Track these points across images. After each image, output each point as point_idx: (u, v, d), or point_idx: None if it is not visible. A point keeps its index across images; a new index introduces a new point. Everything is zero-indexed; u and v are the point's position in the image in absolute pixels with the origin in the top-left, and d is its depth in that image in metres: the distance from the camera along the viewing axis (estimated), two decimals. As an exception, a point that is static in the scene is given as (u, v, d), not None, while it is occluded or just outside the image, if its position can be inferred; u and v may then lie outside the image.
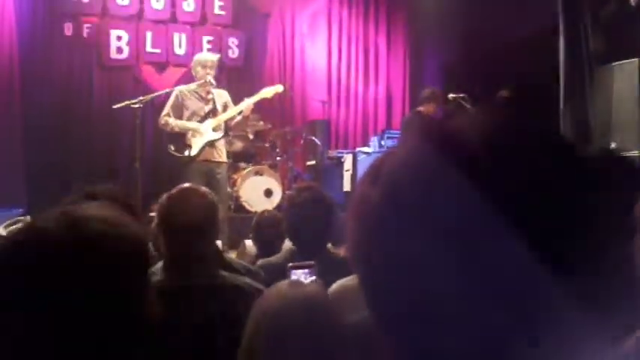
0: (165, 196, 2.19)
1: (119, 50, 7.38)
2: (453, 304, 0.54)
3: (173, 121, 5.42)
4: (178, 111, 5.46)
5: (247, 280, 2.17)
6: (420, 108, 6.69)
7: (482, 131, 0.59)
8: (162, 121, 5.44)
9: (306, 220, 2.66)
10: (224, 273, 2.13)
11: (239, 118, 5.61)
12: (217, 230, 2.19)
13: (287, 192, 6.71)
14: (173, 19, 7.60)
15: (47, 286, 0.88)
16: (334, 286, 2.17)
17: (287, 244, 3.53)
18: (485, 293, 0.53)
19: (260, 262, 2.84)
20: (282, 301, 1.42)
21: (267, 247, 3.44)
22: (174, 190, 2.20)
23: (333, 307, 1.47)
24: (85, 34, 7.25)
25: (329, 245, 2.97)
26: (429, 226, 0.55)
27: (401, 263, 0.57)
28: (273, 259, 2.83)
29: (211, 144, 5.45)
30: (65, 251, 0.90)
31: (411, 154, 0.60)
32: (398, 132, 7.17)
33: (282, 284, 1.52)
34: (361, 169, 6.96)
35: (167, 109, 5.46)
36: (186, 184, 2.32)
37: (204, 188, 2.27)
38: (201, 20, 7.73)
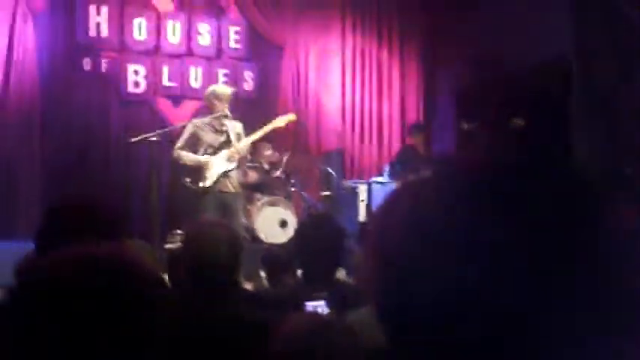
0: (189, 228, 2.23)
1: (136, 84, 7.50)
2: (473, 335, 0.55)
3: (185, 155, 5.49)
4: (193, 144, 5.53)
5: (268, 313, 2.18)
6: (410, 141, 6.83)
7: (494, 161, 0.60)
8: (175, 154, 5.52)
9: (317, 249, 2.67)
10: (245, 307, 2.15)
11: (253, 149, 5.67)
12: (240, 265, 2.22)
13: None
14: (189, 52, 7.72)
15: (59, 334, 0.89)
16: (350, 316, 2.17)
17: (299, 275, 3.54)
18: (509, 319, 0.54)
19: (271, 293, 2.84)
20: (302, 333, 1.42)
21: (278, 279, 3.46)
22: (198, 223, 2.24)
23: (352, 337, 1.48)
24: (103, 69, 7.38)
25: (341, 274, 2.97)
26: (451, 254, 0.56)
27: (422, 290, 0.57)
28: (283, 290, 2.84)
29: (225, 174, 5.49)
30: (78, 297, 0.91)
31: (427, 187, 0.61)
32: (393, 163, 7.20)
33: (300, 316, 1.53)
34: (376, 199, 6.95)
35: (181, 142, 5.54)
36: (212, 218, 2.37)
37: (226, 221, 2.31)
38: (217, 54, 7.84)
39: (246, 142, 5.64)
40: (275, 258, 3.64)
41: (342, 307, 2.25)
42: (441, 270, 0.56)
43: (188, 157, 5.48)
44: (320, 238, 2.67)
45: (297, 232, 2.91)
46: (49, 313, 0.90)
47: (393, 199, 0.63)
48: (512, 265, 0.55)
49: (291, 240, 6.12)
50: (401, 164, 6.84)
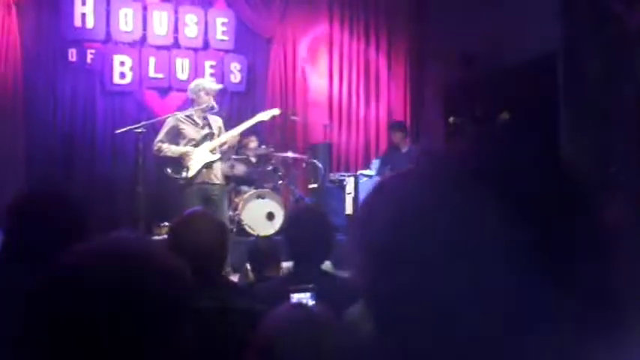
0: (175, 220, 2.22)
1: (122, 75, 7.45)
2: (465, 324, 0.55)
3: (166, 147, 5.46)
4: (174, 137, 5.50)
5: (257, 304, 2.17)
6: (393, 139, 6.94)
7: (481, 154, 0.60)
8: (156, 147, 5.49)
9: (305, 241, 2.67)
10: (234, 296, 2.15)
11: (239, 142, 5.65)
12: (227, 254, 2.22)
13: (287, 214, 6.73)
14: (175, 44, 7.68)
15: (83, 324, 0.89)
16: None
17: (284, 267, 3.55)
18: (494, 311, 0.54)
19: (258, 285, 2.84)
20: (288, 325, 1.42)
21: (263, 272, 3.46)
22: (184, 215, 2.23)
23: (339, 330, 1.48)
24: (88, 60, 7.32)
25: (329, 266, 2.97)
26: (436, 244, 0.56)
27: (415, 284, 0.57)
28: (271, 282, 2.83)
29: (208, 166, 5.48)
30: (102, 290, 0.92)
31: (413, 179, 0.61)
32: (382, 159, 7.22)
33: (286, 307, 1.53)
34: (363, 192, 6.97)
35: (161, 135, 5.52)
36: (196, 208, 2.35)
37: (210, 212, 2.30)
38: (204, 45, 7.80)
39: (229, 134, 5.62)
40: (261, 250, 3.64)
41: (329, 300, 2.25)
42: (429, 262, 0.56)
43: (169, 148, 5.46)
44: (308, 230, 2.67)
45: (286, 224, 2.91)
46: (74, 307, 0.90)
47: (377, 193, 0.63)
48: (499, 259, 0.55)
49: (277, 232, 6.14)
50: (384, 161, 6.95)
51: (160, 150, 5.48)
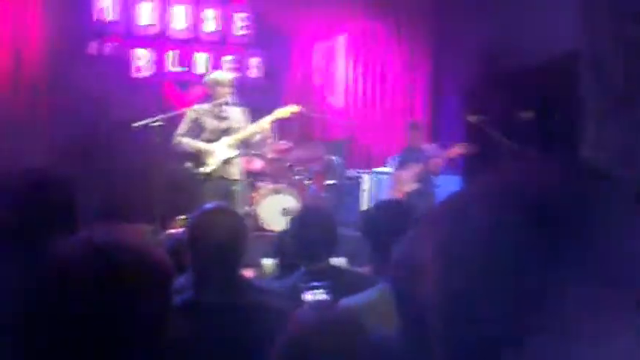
0: (195, 213, 2.21)
1: (141, 69, 7.48)
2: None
3: (186, 141, 5.48)
4: (194, 130, 5.51)
5: (274, 300, 2.16)
6: (410, 138, 6.89)
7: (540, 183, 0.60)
8: (176, 141, 5.51)
9: (313, 238, 2.68)
10: (252, 292, 2.14)
11: (257, 138, 5.65)
12: (244, 249, 2.19)
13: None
14: (195, 38, 7.69)
15: (70, 311, 0.89)
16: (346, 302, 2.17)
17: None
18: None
19: (273, 282, 2.84)
20: (313, 324, 1.40)
21: (289, 267, 3.44)
22: (203, 208, 2.21)
23: (364, 328, 1.46)
24: (108, 53, 7.36)
25: (343, 262, 2.97)
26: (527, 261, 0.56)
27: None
28: (286, 279, 2.83)
29: (227, 161, 5.48)
30: (89, 280, 0.91)
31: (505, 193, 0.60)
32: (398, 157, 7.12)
33: (310, 306, 1.51)
34: (378, 189, 6.95)
35: (181, 128, 5.54)
36: (216, 202, 2.34)
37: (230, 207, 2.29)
38: (223, 40, 7.81)
39: (248, 130, 5.62)
40: (287, 247, 3.63)
41: (344, 295, 2.24)
42: (510, 276, 0.56)
43: (189, 143, 5.47)
44: (314, 227, 2.69)
45: (292, 223, 2.91)
46: (63, 298, 0.90)
47: (462, 202, 0.62)
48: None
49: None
50: (399, 160, 6.91)
51: (179, 143, 5.51)
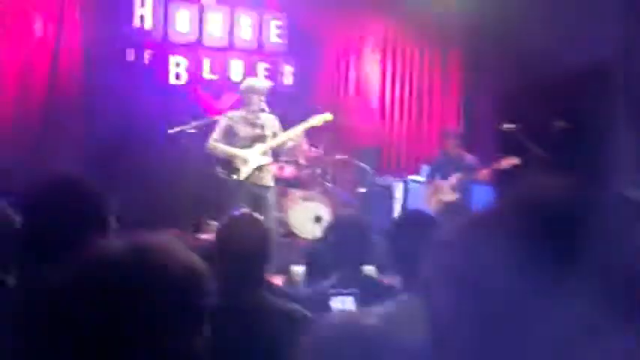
0: (223, 220, 2.24)
1: (177, 76, 7.59)
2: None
3: (221, 147, 5.53)
4: (228, 136, 5.57)
5: (296, 306, 2.18)
6: (444, 147, 6.76)
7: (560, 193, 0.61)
8: (211, 146, 5.57)
9: (347, 247, 2.69)
10: (274, 298, 2.16)
11: (290, 145, 5.68)
12: (271, 257, 2.23)
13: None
14: (230, 46, 7.78)
15: (105, 311, 0.92)
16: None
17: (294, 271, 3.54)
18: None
19: (303, 288, 2.86)
20: (339, 334, 1.41)
21: (319, 274, 3.45)
22: (230, 216, 2.25)
23: (389, 338, 1.47)
24: (145, 60, 7.49)
25: (372, 270, 2.97)
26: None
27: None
28: (317, 286, 2.85)
29: (259, 168, 5.53)
30: (129, 282, 0.94)
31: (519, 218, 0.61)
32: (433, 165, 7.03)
33: (336, 314, 1.52)
34: (411, 198, 6.91)
35: (216, 134, 5.60)
36: (243, 210, 2.37)
37: (259, 215, 2.31)
38: (258, 47, 7.88)
39: (281, 138, 5.65)
40: (317, 256, 3.63)
41: (373, 304, 2.25)
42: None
43: (223, 149, 5.53)
44: (349, 236, 2.69)
45: (328, 230, 2.92)
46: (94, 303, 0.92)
47: (477, 228, 0.63)
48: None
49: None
50: (434, 168, 6.81)
51: (214, 149, 5.57)
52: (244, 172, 5.50)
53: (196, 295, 0.99)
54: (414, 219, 2.68)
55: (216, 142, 5.56)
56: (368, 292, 2.43)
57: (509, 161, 6.43)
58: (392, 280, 3.07)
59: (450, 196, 6.53)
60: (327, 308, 2.36)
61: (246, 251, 2.12)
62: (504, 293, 0.58)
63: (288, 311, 2.12)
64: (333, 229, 2.87)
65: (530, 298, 0.57)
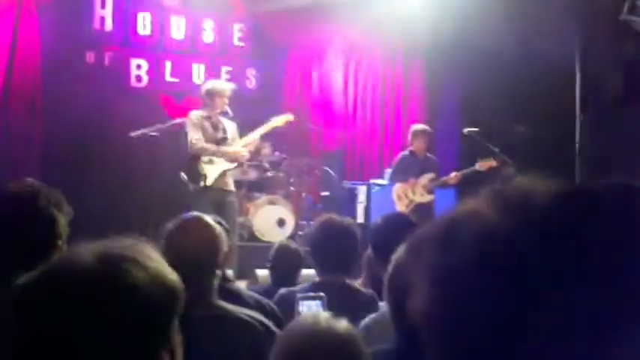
0: (169, 225, 2.16)
1: (138, 79, 7.49)
2: None
3: (210, 146, 5.40)
4: (204, 135, 5.46)
5: (251, 312, 2.13)
6: (411, 146, 6.70)
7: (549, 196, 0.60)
8: (199, 145, 5.38)
9: (334, 253, 2.69)
10: (226, 305, 2.10)
11: (252, 148, 5.63)
12: (220, 262, 2.15)
13: (301, 221, 6.71)
14: (193, 49, 7.71)
15: (72, 323, 0.88)
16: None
17: (304, 274, 3.54)
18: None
19: (282, 290, 2.82)
20: (312, 340, 1.39)
21: (284, 277, 3.42)
22: (178, 220, 2.17)
23: (363, 346, 1.45)
24: (106, 63, 7.37)
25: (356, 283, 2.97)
26: (525, 286, 0.56)
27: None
28: (296, 288, 2.82)
29: (224, 173, 5.45)
30: (97, 294, 0.91)
31: (494, 220, 0.60)
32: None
33: (307, 319, 1.49)
34: (375, 201, 6.92)
35: (197, 134, 5.39)
36: (193, 213, 2.28)
37: (209, 218, 2.23)
38: (220, 51, 7.82)
39: (246, 141, 5.60)
40: (284, 257, 3.60)
41: (346, 311, 2.23)
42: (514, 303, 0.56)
43: (211, 147, 5.39)
44: (338, 242, 2.69)
45: (315, 234, 2.90)
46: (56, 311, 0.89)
47: (450, 229, 0.61)
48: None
49: (290, 238, 6.11)
50: (396, 169, 6.76)
51: (203, 149, 5.36)
52: (210, 178, 5.39)
53: (166, 314, 0.96)
54: (395, 222, 2.69)
55: (203, 143, 5.39)
56: (335, 298, 2.41)
57: (487, 164, 6.39)
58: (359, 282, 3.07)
59: (423, 198, 6.52)
60: (294, 312, 2.33)
61: (194, 256, 2.04)
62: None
63: (244, 319, 2.06)
64: (318, 232, 2.86)
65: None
